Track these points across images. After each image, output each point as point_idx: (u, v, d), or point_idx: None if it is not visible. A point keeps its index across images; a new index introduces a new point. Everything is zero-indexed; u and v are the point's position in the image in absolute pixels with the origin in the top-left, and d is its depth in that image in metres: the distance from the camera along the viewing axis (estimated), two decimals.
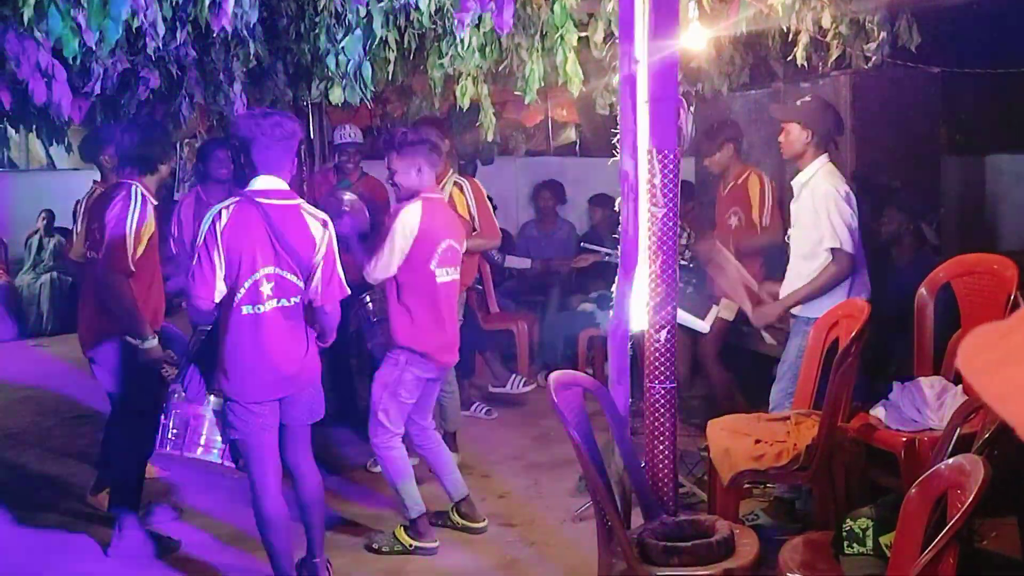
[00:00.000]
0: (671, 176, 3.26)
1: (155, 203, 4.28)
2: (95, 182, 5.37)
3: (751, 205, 5.45)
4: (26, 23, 3.16)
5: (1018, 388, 0.82)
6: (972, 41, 5.45)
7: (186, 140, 7.92)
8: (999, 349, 0.86)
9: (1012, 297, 3.72)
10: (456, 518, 4.49)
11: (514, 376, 6.42)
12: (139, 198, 4.15)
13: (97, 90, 4.04)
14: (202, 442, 3.65)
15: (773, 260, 5.45)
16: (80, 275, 4.67)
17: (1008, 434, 2.88)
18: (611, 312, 3.55)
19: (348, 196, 4.69)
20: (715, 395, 5.41)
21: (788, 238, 4.51)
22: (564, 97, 7.23)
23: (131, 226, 4.10)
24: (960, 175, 6.23)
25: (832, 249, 4.21)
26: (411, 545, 4.25)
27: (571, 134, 10.06)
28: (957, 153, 5.95)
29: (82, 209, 5.07)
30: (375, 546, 4.30)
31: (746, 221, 5.48)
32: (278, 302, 3.53)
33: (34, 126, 7.22)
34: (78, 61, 3.34)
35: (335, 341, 3.81)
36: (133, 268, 4.11)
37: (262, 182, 3.56)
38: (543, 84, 4.31)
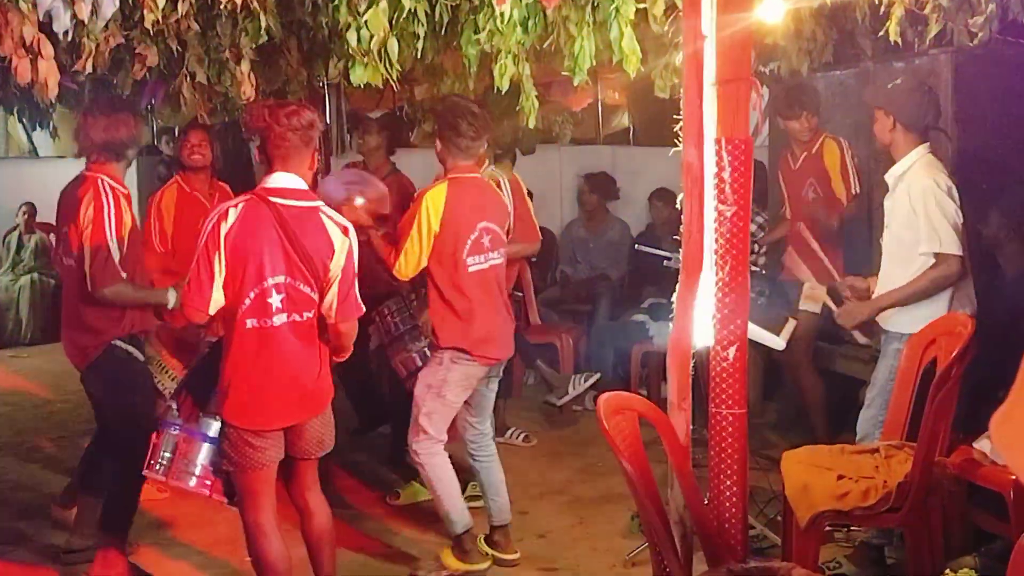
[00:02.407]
0: (742, 169, 3.24)
1: (125, 191, 4.34)
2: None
3: (829, 176, 5.54)
4: None
5: None
6: None
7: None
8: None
9: None
10: (485, 548, 4.56)
11: (573, 377, 6.32)
12: (108, 193, 4.21)
13: (88, 69, 4.10)
14: (197, 472, 3.66)
15: (856, 246, 5.46)
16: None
17: None
18: (669, 324, 3.54)
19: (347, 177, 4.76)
20: (806, 411, 5.40)
21: (882, 240, 4.48)
22: (617, 78, 7.22)
23: (110, 230, 4.16)
24: None
25: (935, 253, 4.18)
26: (458, 570, 4.32)
27: (624, 120, 10.06)
28: None
29: None
30: (420, 574, 4.37)
31: (825, 194, 5.53)
32: (288, 317, 3.54)
33: (15, 109, 7.36)
34: (69, 36, 3.40)
35: (355, 359, 3.84)
36: (124, 274, 4.20)
37: (277, 180, 3.58)
38: (594, 63, 4.31)
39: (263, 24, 4.27)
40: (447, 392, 4.30)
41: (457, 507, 4.36)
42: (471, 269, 4.29)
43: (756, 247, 6.21)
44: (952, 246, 4.17)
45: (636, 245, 7.09)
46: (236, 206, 3.52)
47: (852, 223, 5.60)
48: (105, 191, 4.21)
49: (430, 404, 4.32)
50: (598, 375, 6.26)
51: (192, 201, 5.52)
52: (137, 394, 4.27)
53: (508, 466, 5.55)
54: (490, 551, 4.56)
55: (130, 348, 4.31)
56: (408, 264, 4.26)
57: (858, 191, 5.58)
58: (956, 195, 4.24)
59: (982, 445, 3.89)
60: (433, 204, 4.23)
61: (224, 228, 3.47)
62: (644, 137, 9.39)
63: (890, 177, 4.40)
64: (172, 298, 4.31)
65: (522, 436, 6.22)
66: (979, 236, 4.67)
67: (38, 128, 8.43)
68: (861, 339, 4.66)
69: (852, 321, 4.53)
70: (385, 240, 4.49)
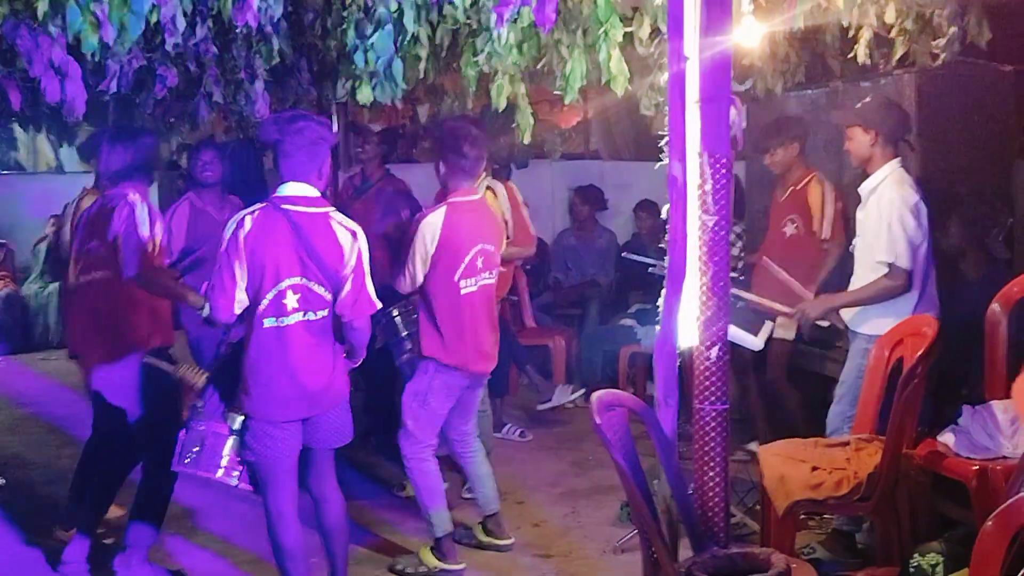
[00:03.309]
0: (723, 182, 3.24)
1: (157, 211, 4.29)
2: (85, 188, 5.39)
3: (811, 213, 5.40)
4: (40, 18, 3.21)
5: None
6: None
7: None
8: None
9: None
10: (481, 535, 4.59)
11: (559, 387, 6.39)
12: (145, 209, 4.17)
13: (113, 88, 4.09)
14: (223, 463, 3.66)
15: (834, 276, 5.40)
16: (70, 300, 4.59)
17: None
18: (656, 327, 3.53)
19: None
20: (788, 419, 5.40)
21: (853, 247, 4.49)
22: (605, 98, 7.20)
23: (146, 231, 4.11)
24: None
25: (888, 263, 4.19)
26: (436, 567, 4.30)
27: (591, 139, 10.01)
28: None
29: (72, 220, 5.01)
30: (399, 567, 4.37)
31: (805, 230, 5.43)
32: (304, 315, 3.55)
33: (44, 126, 7.34)
34: (96, 58, 3.39)
35: (366, 362, 3.84)
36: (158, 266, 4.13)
37: (289, 188, 3.60)
38: (584, 83, 4.31)
39: (276, 46, 4.28)
40: (432, 400, 4.30)
41: (440, 512, 4.33)
42: (463, 292, 4.28)
43: (734, 255, 6.18)
44: (904, 260, 4.18)
45: (623, 253, 7.07)
46: (252, 214, 3.54)
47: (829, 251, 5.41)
48: (136, 206, 4.15)
49: (416, 411, 4.32)
50: (583, 391, 6.31)
51: (203, 216, 5.50)
52: (165, 405, 4.22)
53: (505, 460, 5.56)
54: (485, 538, 4.57)
55: (158, 362, 4.24)
56: (407, 280, 4.27)
57: (829, 237, 5.35)
58: (923, 210, 4.24)
59: (946, 438, 3.89)
60: (431, 228, 4.22)
61: (242, 234, 3.49)
62: (605, 153, 9.36)
63: (863, 190, 4.41)
64: (207, 308, 4.25)
65: (518, 432, 6.20)
66: (940, 243, 4.68)
67: (65, 145, 8.41)
68: (824, 323, 4.65)
69: (805, 316, 4.53)
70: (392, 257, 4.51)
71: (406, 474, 5.25)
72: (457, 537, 4.49)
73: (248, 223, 3.50)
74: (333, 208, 3.71)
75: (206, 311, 4.01)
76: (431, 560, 4.32)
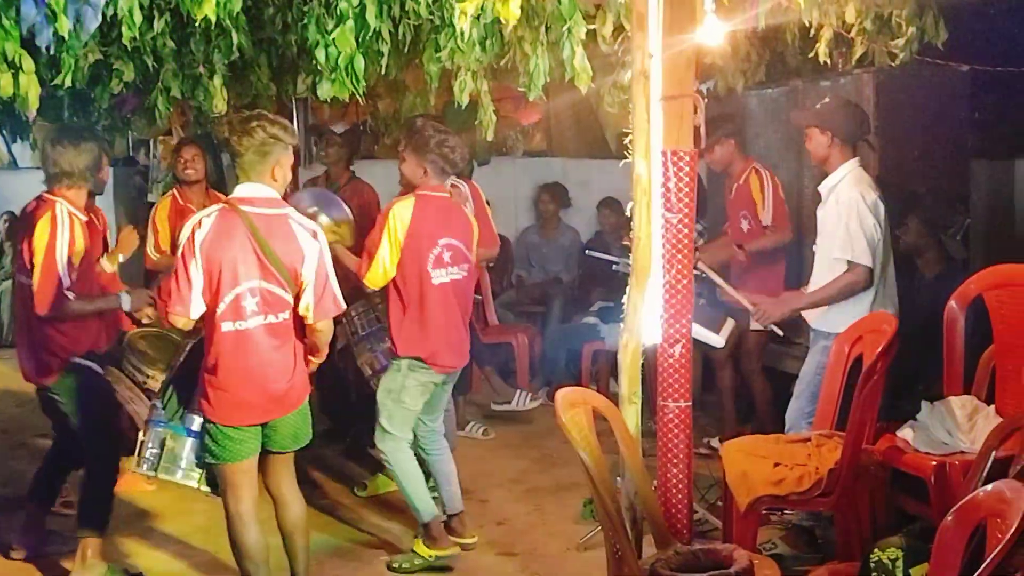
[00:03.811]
0: (687, 179, 3.26)
1: (83, 218, 4.21)
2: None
3: (756, 204, 5.47)
4: None
5: None
6: (1003, 37, 5.46)
7: (160, 137, 7.92)
8: None
9: None
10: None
11: (519, 392, 6.40)
12: (65, 219, 4.08)
13: (68, 83, 4.01)
14: (183, 466, 3.63)
15: (795, 267, 5.46)
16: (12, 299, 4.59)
17: None
18: (620, 325, 3.54)
19: (307, 197, 4.70)
20: (759, 413, 5.45)
21: (815, 246, 4.52)
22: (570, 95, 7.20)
23: (61, 255, 4.03)
24: (989, 180, 6.24)
25: (848, 260, 4.23)
26: (431, 556, 4.31)
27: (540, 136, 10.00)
28: (987, 157, 5.96)
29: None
30: (395, 565, 4.37)
31: (754, 223, 5.50)
32: (264, 318, 3.51)
33: None
34: (51, 51, 3.32)
35: (325, 363, 3.81)
36: (71, 296, 4.06)
37: (246, 189, 3.55)
38: (547, 80, 4.30)
39: (235, 41, 4.22)
40: (406, 397, 4.31)
41: (423, 498, 4.36)
42: (435, 282, 4.26)
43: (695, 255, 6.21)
44: (863, 257, 4.22)
45: (587, 251, 7.09)
46: (210, 215, 3.49)
47: (777, 248, 5.48)
48: (62, 216, 4.08)
49: (390, 408, 4.32)
50: (540, 401, 6.33)
51: (186, 213, 5.43)
52: (102, 406, 4.18)
53: (468, 458, 5.54)
54: (450, 537, 4.53)
55: (90, 364, 4.20)
56: (377, 273, 4.23)
57: (771, 223, 5.42)
58: (881, 209, 4.29)
59: (905, 434, 3.93)
60: (400, 216, 4.20)
61: (199, 236, 3.44)
62: (555, 150, 9.38)
63: (823, 188, 4.45)
64: (126, 301, 4.24)
65: (481, 430, 6.19)
66: (898, 242, 4.73)
67: (18, 140, 8.27)
68: (780, 332, 4.69)
69: (767, 320, 4.56)
70: (351, 251, 4.47)
71: (368, 474, 5.24)
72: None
73: (205, 225, 3.45)
74: (292, 208, 3.67)
75: (126, 305, 4.00)
76: (425, 551, 4.32)
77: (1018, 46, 5.40)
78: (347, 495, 5.25)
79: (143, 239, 5.34)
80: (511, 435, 6.20)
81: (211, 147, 6.33)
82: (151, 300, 4.22)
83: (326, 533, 4.70)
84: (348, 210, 4.85)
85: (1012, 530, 2.22)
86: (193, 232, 3.45)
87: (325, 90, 4.15)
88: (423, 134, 4.38)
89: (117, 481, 4.30)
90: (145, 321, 4.41)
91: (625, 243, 3.63)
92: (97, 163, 4.29)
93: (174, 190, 5.69)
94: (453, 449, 5.22)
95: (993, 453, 3.07)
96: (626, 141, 3.39)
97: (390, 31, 4.08)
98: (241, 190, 3.56)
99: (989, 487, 2.51)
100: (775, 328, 4.64)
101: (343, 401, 5.69)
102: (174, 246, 5.13)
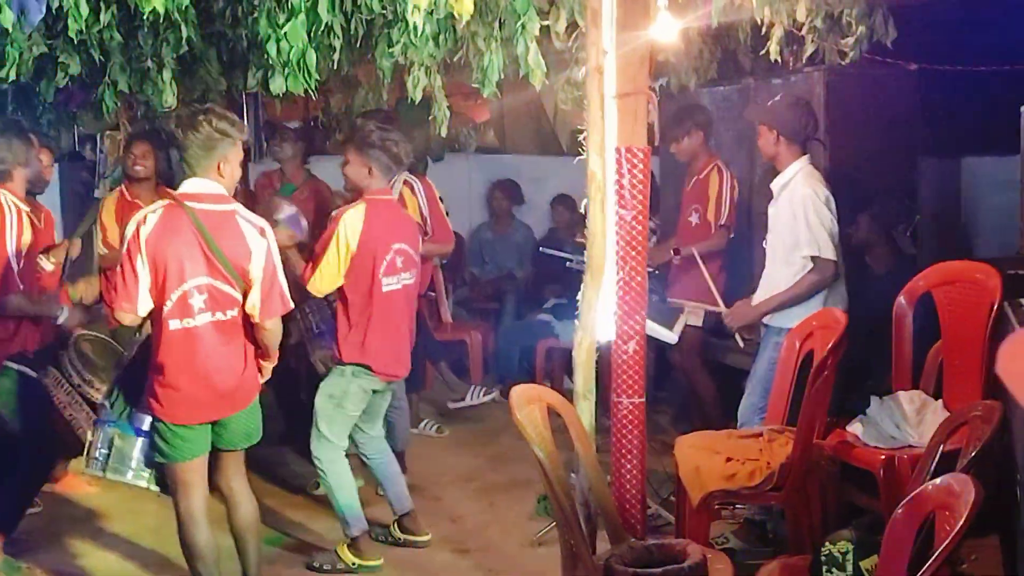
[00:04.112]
0: (641, 176, 3.27)
1: (26, 208, 4.21)
2: None
3: (708, 201, 5.48)
4: None
5: None
6: (951, 37, 5.55)
7: (107, 132, 7.77)
8: None
9: (995, 307, 3.78)
10: (397, 533, 4.56)
11: (472, 387, 6.40)
12: (12, 208, 4.09)
13: (12, 76, 3.93)
14: (133, 466, 3.59)
15: (735, 266, 5.50)
16: None
17: (989, 451, 2.93)
18: (575, 322, 3.55)
19: (286, 207, 4.63)
20: (704, 409, 5.46)
21: (765, 243, 4.56)
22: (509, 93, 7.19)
23: (11, 243, 4.04)
24: (936, 178, 6.34)
25: (812, 256, 4.27)
26: (353, 563, 4.29)
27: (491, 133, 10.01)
28: (935, 155, 6.05)
29: None
30: (316, 565, 4.33)
31: (702, 220, 5.51)
32: (212, 316, 3.47)
33: None
34: None
35: (279, 362, 3.78)
36: (21, 285, 4.06)
37: (192, 185, 3.51)
38: (501, 77, 4.30)
39: (184, 34, 4.16)
40: (348, 403, 4.27)
41: (354, 512, 4.31)
42: (385, 289, 4.23)
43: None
44: (828, 251, 4.28)
45: (540, 248, 7.10)
46: (155, 211, 3.45)
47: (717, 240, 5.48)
48: (9, 206, 4.09)
49: (330, 413, 4.28)
50: (495, 394, 6.33)
51: (134, 209, 5.34)
52: (32, 409, 4.15)
53: (421, 456, 5.53)
54: (402, 535, 4.55)
55: (21, 367, 4.17)
56: (323, 280, 4.19)
57: (723, 224, 5.41)
58: (833, 204, 4.34)
59: (855, 428, 3.98)
60: (351, 224, 4.16)
61: (144, 233, 3.40)
62: (505, 146, 9.39)
63: (775, 186, 4.49)
64: (63, 315, 4.27)
65: (434, 428, 6.17)
66: (850, 239, 4.79)
67: None
68: (741, 343, 4.70)
69: (738, 323, 4.58)
70: (302, 256, 4.42)
71: (315, 473, 5.20)
72: (374, 535, 4.47)
73: (150, 221, 3.41)
74: (240, 205, 3.63)
75: (61, 318, 3.98)
76: (348, 557, 4.29)
77: (965, 45, 5.49)
78: (300, 493, 5.20)
79: (90, 235, 5.26)
80: (465, 433, 6.19)
81: (161, 143, 6.22)
82: (85, 322, 4.31)
83: (278, 531, 4.67)
84: (302, 220, 4.78)
85: (960, 523, 2.25)
86: (138, 228, 3.40)
87: (277, 85, 4.11)
88: (364, 131, 4.36)
89: (42, 486, 4.29)
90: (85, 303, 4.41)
91: (579, 240, 3.64)
92: (23, 155, 4.26)
93: (122, 186, 5.61)
94: (407, 447, 5.21)
95: (941, 447, 3.12)
96: (580, 138, 3.40)
97: (342, 26, 4.06)
98: (187, 186, 3.51)
99: (937, 480, 2.55)
100: (739, 337, 4.65)
101: (295, 399, 5.64)
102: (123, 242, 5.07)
